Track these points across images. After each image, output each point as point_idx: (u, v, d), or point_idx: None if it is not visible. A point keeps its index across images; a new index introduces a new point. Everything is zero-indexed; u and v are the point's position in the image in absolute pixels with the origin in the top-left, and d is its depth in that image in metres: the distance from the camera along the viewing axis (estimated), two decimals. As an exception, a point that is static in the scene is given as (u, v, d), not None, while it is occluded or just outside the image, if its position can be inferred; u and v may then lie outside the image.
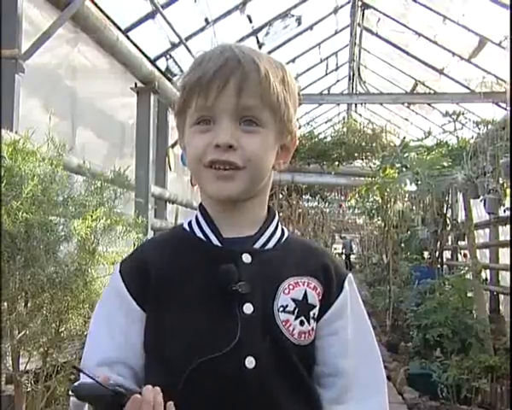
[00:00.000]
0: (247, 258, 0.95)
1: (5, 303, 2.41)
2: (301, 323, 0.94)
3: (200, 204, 1.02)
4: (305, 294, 0.95)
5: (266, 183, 0.99)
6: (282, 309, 0.93)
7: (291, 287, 0.95)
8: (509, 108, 6.29)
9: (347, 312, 0.98)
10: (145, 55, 5.32)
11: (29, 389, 2.51)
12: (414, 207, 8.87)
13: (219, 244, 0.96)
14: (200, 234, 0.98)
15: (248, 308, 0.92)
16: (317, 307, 0.96)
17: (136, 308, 0.95)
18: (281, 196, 10.22)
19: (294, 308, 0.94)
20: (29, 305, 2.46)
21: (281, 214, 10.11)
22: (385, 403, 0.99)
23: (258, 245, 0.97)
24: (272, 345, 0.92)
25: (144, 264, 0.96)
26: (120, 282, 0.96)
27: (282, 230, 1.02)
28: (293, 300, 0.94)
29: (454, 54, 7.58)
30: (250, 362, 0.89)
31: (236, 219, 0.98)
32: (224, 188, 0.93)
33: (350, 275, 1.03)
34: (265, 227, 0.99)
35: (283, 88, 0.96)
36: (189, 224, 1.01)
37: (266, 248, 0.98)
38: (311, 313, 0.95)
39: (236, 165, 0.92)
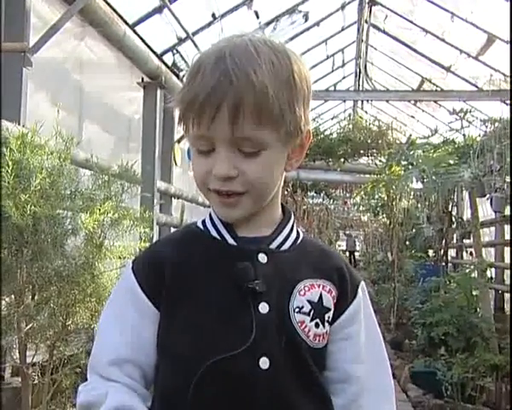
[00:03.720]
0: (262, 258, 0.94)
1: (12, 296, 2.42)
2: (316, 325, 0.93)
3: None
4: (321, 296, 0.94)
5: (278, 187, 0.98)
6: (297, 310, 0.92)
7: (306, 288, 0.94)
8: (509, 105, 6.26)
9: (360, 318, 0.97)
10: (152, 50, 5.31)
11: (35, 382, 2.52)
12: (419, 205, 8.85)
13: (235, 243, 0.95)
14: (214, 233, 0.97)
15: (264, 308, 0.90)
16: (332, 311, 0.95)
17: (150, 307, 0.93)
18: (286, 192, 10.21)
19: (310, 310, 0.93)
20: (36, 298, 2.47)
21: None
22: (394, 408, 0.98)
23: (273, 245, 0.96)
24: (287, 346, 0.90)
25: (158, 262, 0.95)
26: (134, 280, 0.95)
27: (298, 231, 1.01)
28: (309, 301, 0.93)
29: (462, 51, 7.54)
30: (264, 362, 0.88)
31: (252, 219, 0.96)
32: (229, 213, 0.93)
33: (363, 282, 1.02)
34: (281, 228, 0.98)
35: (289, 91, 0.89)
36: (203, 223, 1.00)
37: (282, 249, 0.97)
38: (326, 316, 0.94)
39: (238, 192, 0.90)
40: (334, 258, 1.01)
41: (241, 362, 0.87)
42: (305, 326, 0.92)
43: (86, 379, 0.96)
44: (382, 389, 0.98)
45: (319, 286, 0.95)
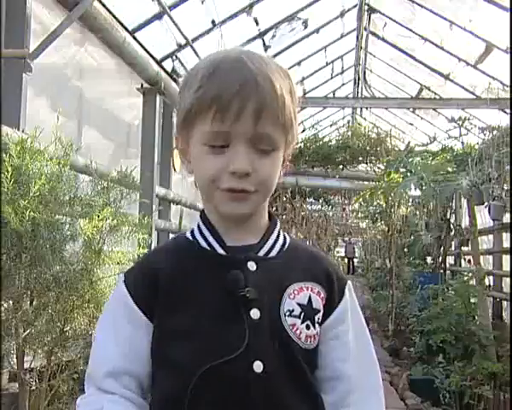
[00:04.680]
0: (251, 266, 0.96)
1: (10, 302, 2.42)
2: (307, 327, 0.95)
3: (202, 212, 1.03)
4: (310, 299, 0.97)
5: None
6: (288, 313, 0.95)
7: (296, 292, 0.96)
8: (508, 113, 6.28)
9: (348, 317, 1.01)
10: (152, 56, 5.33)
11: (33, 388, 2.51)
12: (418, 212, 8.86)
13: (224, 253, 0.97)
14: (204, 243, 0.99)
15: (255, 314, 0.93)
16: (321, 312, 0.98)
17: (144, 318, 0.95)
18: (284, 198, 10.22)
19: (300, 312, 0.95)
20: (34, 304, 2.47)
21: (284, 217, 10.11)
22: (383, 406, 1.01)
23: (261, 253, 0.98)
24: (280, 349, 0.93)
25: (151, 275, 0.96)
26: (126, 293, 0.97)
27: (284, 236, 1.04)
28: (299, 304, 0.96)
29: (460, 59, 7.57)
30: (258, 366, 0.90)
31: (240, 228, 0.99)
32: (237, 208, 0.94)
33: (349, 282, 1.05)
34: (268, 235, 1.01)
35: (292, 100, 0.96)
36: (192, 233, 1.02)
37: (270, 255, 0.99)
38: (316, 318, 0.97)
39: (250, 191, 0.93)
40: (322, 260, 1.04)
41: (236, 367, 0.89)
42: (297, 328, 0.94)
43: (83, 386, 0.98)
44: (370, 386, 1.01)
45: (308, 288, 0.98)
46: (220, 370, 0.89)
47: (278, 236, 1.02)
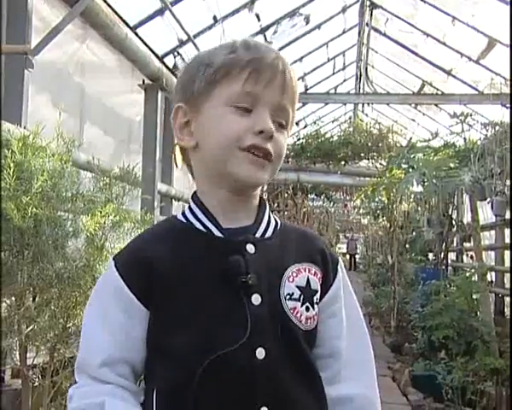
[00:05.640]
0: (250, 248, 0.95)
1: (13, 298, 2.42)
2: (307, 309, 0.96)
3: (194, 195, 1.01)
4: (308, 280, 0.98)
5: None
6: (288, 297, 0.95)
7: (294, 274, 0.97)
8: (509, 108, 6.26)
9: (341, 294, 1.02)
10: (153, 52, 5.32)
11: (36, 384, 2.51)
12: (419, 208, 8.84)
13: (221, 235, 0.96)
14: (198, 225, 0.97)
15: (256, 299, 0.92)
16: (319, 292, 0.99)
17: (139, 306, 0.93)
18: (286, 195, 10.21)
19: (300, 295, 0.96)
20: (37, 300, 2.46)
21: (286, 213, 10.10)
22: (375, 380, 1.03)
23: (258, 234, 0.98)
24: (282, 333, 0.93)
25: (146, 260, 0.93)
26: (119, 279, 0.93)
27: (275, 218, 1.04)
28: (298, 287, 0.96)
29: (462, 55, 7.55)
30: (260, 353, 0.90)
31: (236, 209, 0.98)
32: (255, 174, 0.94)
33: (340, 259, 1.07)
34: (261, 216, 1.00)
35: (297, 96, 1.02)
36: (184, 215, 1.00)
37: (266, 236, 0.99)
38: (315, 299, 0.98)
39: (272, 156, 0.95)
40: (315, 240, 1.05)
41: (240, 355, 0.89)
42: (297, 312, 0.95)
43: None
44: (363, 362, 1.03)
45: (305, 270, 0.98)
46: (225, 360, 0.89)
47: (270, 217, 1.02)
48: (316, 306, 0.98)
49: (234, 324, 0.90)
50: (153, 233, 1.04)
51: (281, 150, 0.97)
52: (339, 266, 1.04)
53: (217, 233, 0.96)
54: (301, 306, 0.95)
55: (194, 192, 1.01)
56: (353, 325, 1.03)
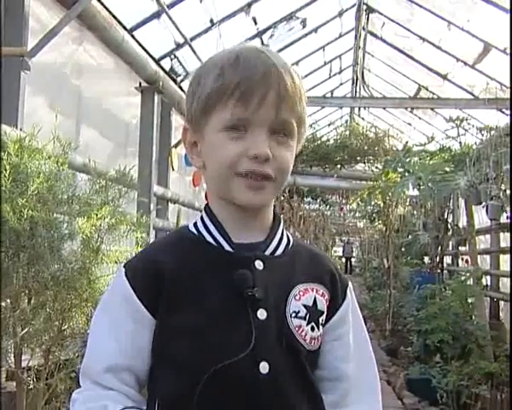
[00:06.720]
0: (259, 264, 0.95)
1: (8, 300, 2.41)
2: (312, 329, 0.96)
3: (207, 207, 1.01)
4: (315, 300, 0.97)
5: None
6: (294, 315, 0.94)
7: (301, 293, 0.96)
8: (506, 113, 6.29)
9: (349, 318, 1.02)
10: (150, 55, 5.33)
11: (30, 386, 2.51)
12: (415, 212, 8.87)
13: (231, 250, 0.96)
14: (209, 238, 0.97)
15: (262, 314, 0.92)
16: (325, 314, 0.98)
17: (147, 315, 0.93)
18: (282, 198, 10.22)
19: (306, 314, 0.95)
20: (32, 302, 2.46)
21: (282, 216, 10.09)
22: (380, 404, 1.03)
23: (268, 252, 0.97)
24: (286, 350, 0.93)
25: (155, 267, 0.94)
26: (128, 287, 0.93)
27: (288, 235, 1.03)
28: (305, 306, 0.96)
29: (458, 59, 7.57)
30: (264, 367, 0.90)
31: (248, 224, 0.97)
32: (255, 197, 0.93)
33: (350, 283, 1.06)
34: (273, 233, 1.00)
35: (304, 95, 0.98)
36: (195, 226, 1.00)
37: (276, 254, 0.98)
38: (320, 320, 0.97)
39: (270, 177, 0.93)
40: (325, 261, 1.04)
41: (243, 368, 0.89)
42: (302, 330, 0.95)
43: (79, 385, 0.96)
44: (369, 385, 1.03)
45: (313, 290, 0.98)
46: (227, 371, 0.88)
47: (282, 234, 1.01)
48: (321, 327, 0.97)
49: (238, 336, 0.90)
50: (164, 243, 1.05)
51: (283, 166, 0.94)
52: (348, 290, 1.03)
53: (227, 247, 0.96)
54: (307, 325, 0.95)
55: (207, 204, 1.01)
56: (359, 348, 1.02)
